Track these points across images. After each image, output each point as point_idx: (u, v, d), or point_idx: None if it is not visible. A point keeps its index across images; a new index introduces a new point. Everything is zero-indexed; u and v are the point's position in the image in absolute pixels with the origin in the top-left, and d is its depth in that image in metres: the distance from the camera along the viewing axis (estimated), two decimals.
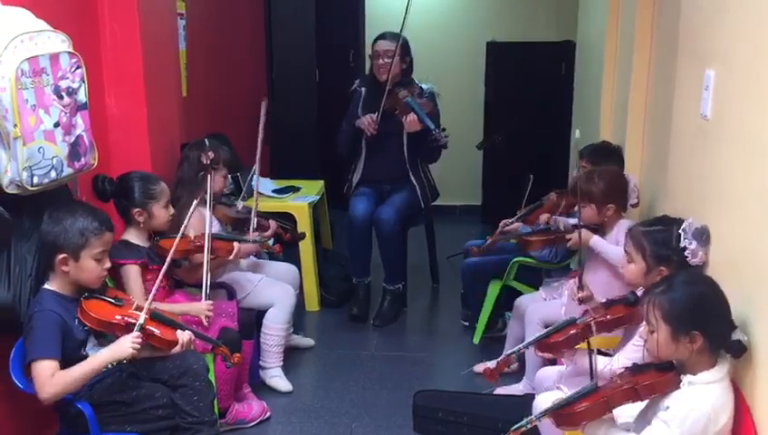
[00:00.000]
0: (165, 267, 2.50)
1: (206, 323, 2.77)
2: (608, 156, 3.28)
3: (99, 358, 2.26)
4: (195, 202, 2.60)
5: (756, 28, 1.88)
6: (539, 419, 1.98)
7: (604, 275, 2.87)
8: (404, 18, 3.91)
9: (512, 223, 3.40)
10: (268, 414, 3.09)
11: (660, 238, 2.26)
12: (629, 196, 2.88)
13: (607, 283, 2.84)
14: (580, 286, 2.53)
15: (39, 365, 2.20)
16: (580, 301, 2.50)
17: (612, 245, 2.86)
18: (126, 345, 2.24)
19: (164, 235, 2.83)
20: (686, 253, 2.18)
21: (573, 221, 3.11)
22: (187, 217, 2.56)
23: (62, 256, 2.28)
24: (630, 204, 2.90)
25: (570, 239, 3.02)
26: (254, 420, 3.03)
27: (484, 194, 5.89)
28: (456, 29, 5.89)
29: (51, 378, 2.19)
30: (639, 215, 3.03)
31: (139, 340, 2.26)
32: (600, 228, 2.93)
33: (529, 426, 2.00)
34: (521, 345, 2.51)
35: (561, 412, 1.93)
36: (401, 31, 3.94)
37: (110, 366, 2.32)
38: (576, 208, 2.95)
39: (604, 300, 2.44)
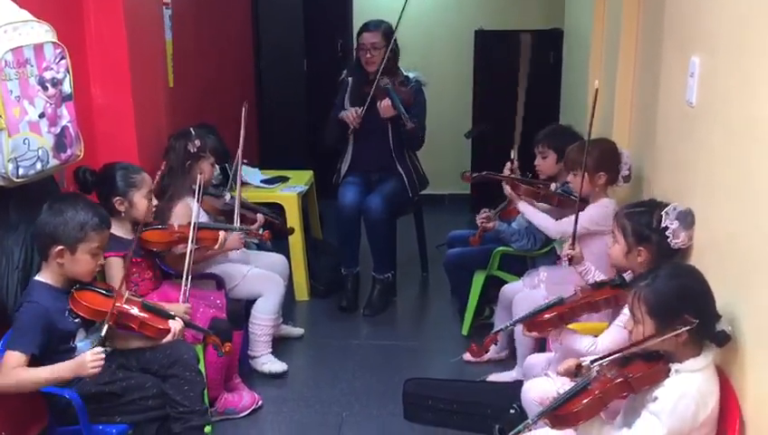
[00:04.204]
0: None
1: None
2: (566, 136, 3.35)
3: (59, 370, 2.21)
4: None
5: (741, 15, 1.89)
6: (535, 422, 1.93)
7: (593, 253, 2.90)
8: (399, 17, 3.93)
9: (491, 223, 3.39)
10: (260, 403, 3.09)
11: (642, 219, 2.27)
12: (622, 167, 2.89)
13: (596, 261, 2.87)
14: (572, 245, 2.57)
15: (7, 355, 2.20)
16: (570, 260, 2.53)
17: (542, 213, 3.05)
18: (87, 366, 2.17)
19: (147, 226, 2.81)
20: (666, 233, 2.19)
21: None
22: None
23: (58, 248, 2.26)
24: (622, 175, 2.90)
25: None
26: (245, 410, 3.03)
27: (473, 183, 5.89)
28: (444, 17, 5.87)
29: (10, 369, 2.16)
30: (626, 202, 3.05)
31: (101, 358, 2.18)
32: (587, 200, 2.95)
33: (526, 430, 1.94)
34: (508, 323, 2.53)
35: (557, 413, 1.87)
36: (396, 27, 3.95)
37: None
38: (569, 178, 2.96)
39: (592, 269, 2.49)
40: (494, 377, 3.21)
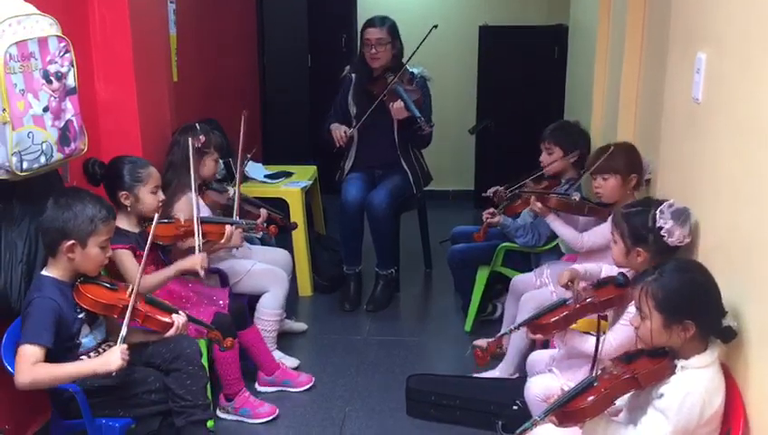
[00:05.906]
0: (146, 250, 2.46)
1: (201, 275, 2.77)
2: (573, 132, 3.35)
3: (86, 366, 2.22)
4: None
5: (748, 11, 1.88)
6: (542, 418, 1.91)
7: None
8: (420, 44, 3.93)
9: (496, 219, 3.37)
10: (277, 413, 3.01)
11: (638, 219, 2.25)
12: (645, 170, 2.88)
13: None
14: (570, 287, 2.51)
15: (25, 349, 2.17)
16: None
17: (569, 228, 3.03)
18: (116, 358, 2.18)
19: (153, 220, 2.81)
20: (662, 232, 2.17)
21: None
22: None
23: (69, 242, 2.25)
24: (645, 178, 2.89)
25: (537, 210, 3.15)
26: (260, 418, 2.96)
27: (477, 179, 5.89)
28: (448, 13, 5.86)
29: (32, 365, 2.15)
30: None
31: (127, 352, 2.21)
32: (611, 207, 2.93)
33: (534, 427, 1.92)
34: (512, 326, 2.51)
35: (565, 410, 1.86)
36: (414, 52, 3.92)
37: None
38: (597, 184, 2.92)
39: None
40: (479, 374, 3.19)
